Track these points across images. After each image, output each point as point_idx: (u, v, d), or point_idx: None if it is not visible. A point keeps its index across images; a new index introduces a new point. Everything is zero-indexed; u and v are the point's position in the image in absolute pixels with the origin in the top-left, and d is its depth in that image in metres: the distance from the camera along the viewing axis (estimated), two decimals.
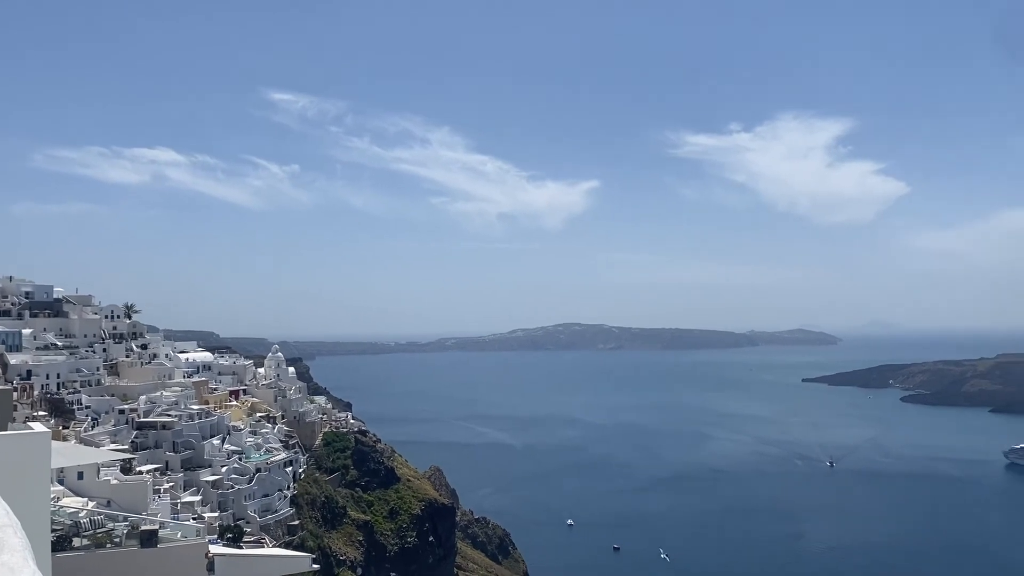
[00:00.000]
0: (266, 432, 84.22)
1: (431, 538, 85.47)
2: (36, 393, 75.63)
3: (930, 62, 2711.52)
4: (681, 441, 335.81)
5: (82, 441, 64.79)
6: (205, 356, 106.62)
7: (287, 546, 63.11)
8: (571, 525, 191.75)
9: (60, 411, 74.11)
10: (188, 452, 74.03)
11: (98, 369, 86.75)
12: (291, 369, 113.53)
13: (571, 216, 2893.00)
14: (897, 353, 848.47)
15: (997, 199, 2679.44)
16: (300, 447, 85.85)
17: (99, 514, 27.77)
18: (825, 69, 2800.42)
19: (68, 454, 32.69)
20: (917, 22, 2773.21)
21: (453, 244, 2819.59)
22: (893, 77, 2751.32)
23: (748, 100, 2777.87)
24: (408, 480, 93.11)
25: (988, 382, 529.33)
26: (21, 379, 75.59)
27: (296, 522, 72.22)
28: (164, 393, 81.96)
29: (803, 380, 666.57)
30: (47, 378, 78.63)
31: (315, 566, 56.49)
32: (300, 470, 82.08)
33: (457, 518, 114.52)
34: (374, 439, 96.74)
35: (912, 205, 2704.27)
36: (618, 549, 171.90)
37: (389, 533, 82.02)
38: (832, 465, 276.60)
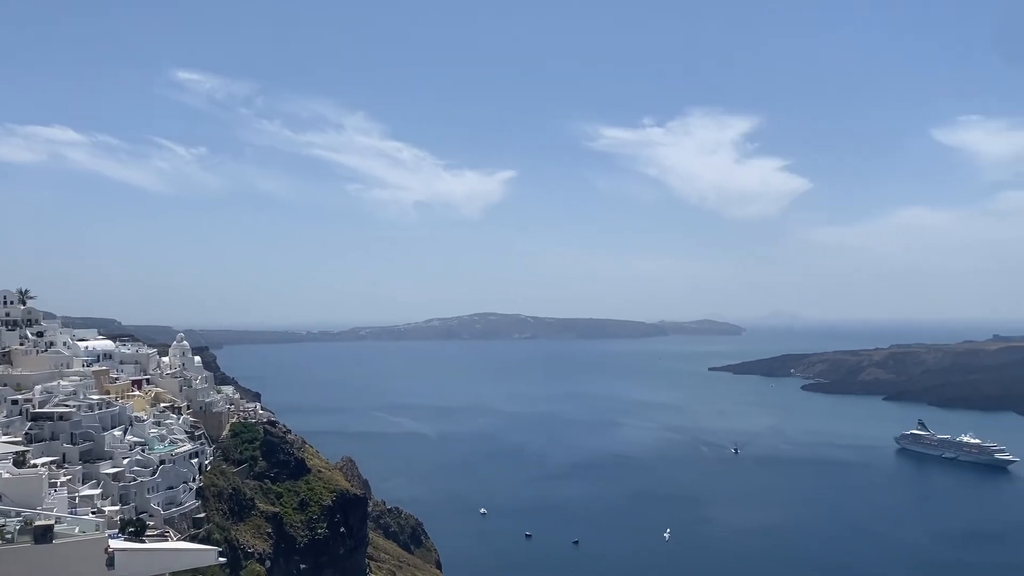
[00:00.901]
0: (171, 423, 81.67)
1: (342, 529, 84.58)
2: None
3: (833, 64, 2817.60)
4: (593, 429, 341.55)
5: None
6: (106, 344, 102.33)
7: (192, 539, 61.49)
8: (484, 514, 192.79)
9: None
10: (87, 444, 71.09)
11: None
12: (197, 358, 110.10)
13: (488, 206, 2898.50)
14: (798, 343, 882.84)
15: (893, 197, 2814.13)
16: (206, 438, 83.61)
17: None
18: (734, 67, 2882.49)
19: None
20: (821, 25, 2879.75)
21: (368, 232, 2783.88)
22: (798, 77, 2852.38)
23: (660, 95, 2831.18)
24: (319, 471, 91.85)
25: (882, 371, 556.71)
26: None
27: (202, 515, 70.40)
28: (61, 383, 78.34)
29: (709, 369, 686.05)
30: None
31: (221, 559, 55.14)
32: (206, 462, 79.99)
33: (369, 509, 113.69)
34: (284, 430, 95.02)
35: (814, 201, 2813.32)
36: (530, 536, 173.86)
37: (299, 525, 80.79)
38: (736, 451, 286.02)
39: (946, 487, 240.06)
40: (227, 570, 59.60)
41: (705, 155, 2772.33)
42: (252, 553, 71.59)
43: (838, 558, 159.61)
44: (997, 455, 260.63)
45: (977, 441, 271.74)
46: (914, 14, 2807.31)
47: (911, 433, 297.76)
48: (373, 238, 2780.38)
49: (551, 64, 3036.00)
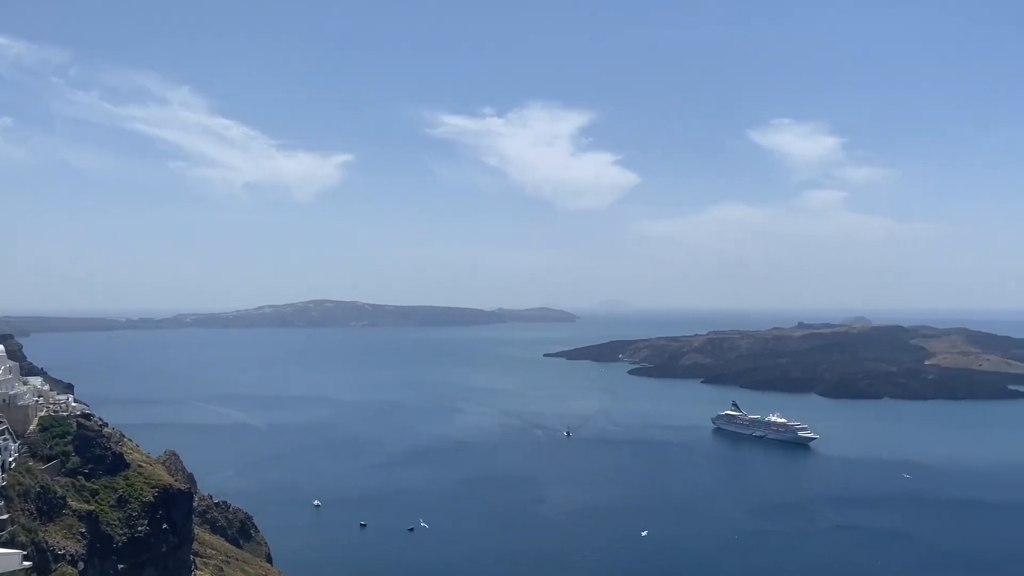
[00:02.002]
0: None
1: (165, 526, 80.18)
2: None
3: (661, 64, 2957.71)
4: (431, 416, 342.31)
5: None
6: None
7: None
8: (318, 505, 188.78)
9: None
10: None
11: None
12: (0, 347, 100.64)
13: (324, 189, 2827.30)
14: (626, 330, 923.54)
15: (714, 193, 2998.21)
16: (11, 433, 76.66)
17: None
18: (571, 62, 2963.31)
19: None
20: (653, 25, 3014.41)
21: (193, 213, 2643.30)
22: (631, 75, 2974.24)
23: (501, 86, 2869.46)
24: (139, 466, 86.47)
25: (701, 356, 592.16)
26: None
27: (6, 516, 64.59)
28: None
29: (544, 355, 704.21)
30: None
31: (27, 563, 51.04)
32: (11, 459, 73.36)
33: (195, 503, 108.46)
34: (100, 423, 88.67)
35: (643, 195, 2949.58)
36: (365, 525, 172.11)
37: (117, 523, 75.78)
38: (568, 435, 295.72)
39: (756, 463, 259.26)
40: (34, 575, 55.14)
41: (542, 147, 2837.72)
42: (63, 555, 66.51)
43: (661, 532, 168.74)
44: (800, 433, 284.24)
45: (783, 420, 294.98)
46: (736, 18, 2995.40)
47: (726, 414, 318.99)
48: (199, 220, 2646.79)
49: (392, 48, 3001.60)
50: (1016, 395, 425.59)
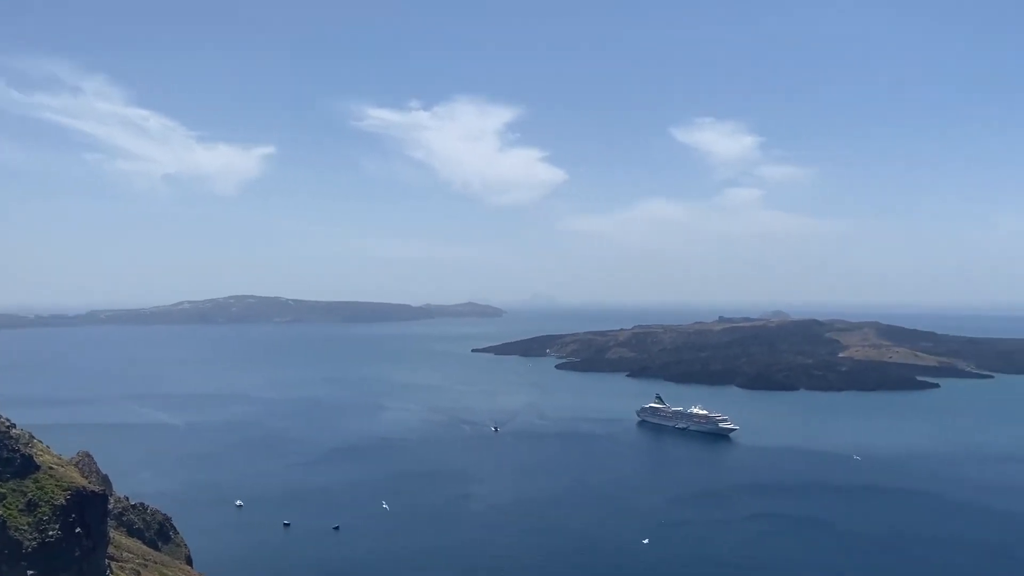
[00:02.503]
0: None
1: (78, 529, 77.56)
2: None
3: (585, 61, 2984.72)
4: (357, 413, 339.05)
5: None
6: None
7: None
8: (240, 505, 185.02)
9: None
10: None
11: None
12: None
13: (245, 182, 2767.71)
14: (554, 325, 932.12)
15: (638, 190, 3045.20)
16: None
17: None
18: (497, 56, 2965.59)
19: None
20: (575, 23, 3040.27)
21: (109, 206, 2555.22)
22: (556, 72, 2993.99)
23: (427, 79, 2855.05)
24: (50, 468, 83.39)
25: (626, 350, 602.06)
26: None
27: None
28: None
29: (472, 350, 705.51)
30: None
31: None
32: None
33: (110, 506, 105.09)
34: (7, 424, 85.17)
35: (570, 191, 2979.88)
36: (288, 525, 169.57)
37: (26, 528, 72.95)
38: (496, 430, 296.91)
39: (678, 454, 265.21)
40: None
41: (470, 142, 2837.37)
42: None
43: (585, 524, 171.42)
44: (721, 424, 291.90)
45: (705, 412, 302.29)
46: (660, 17, 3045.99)
47: (650, 407, 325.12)
48: (115, 213, 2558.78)
49: (316, 39, 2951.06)
50: (924, 386, 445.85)
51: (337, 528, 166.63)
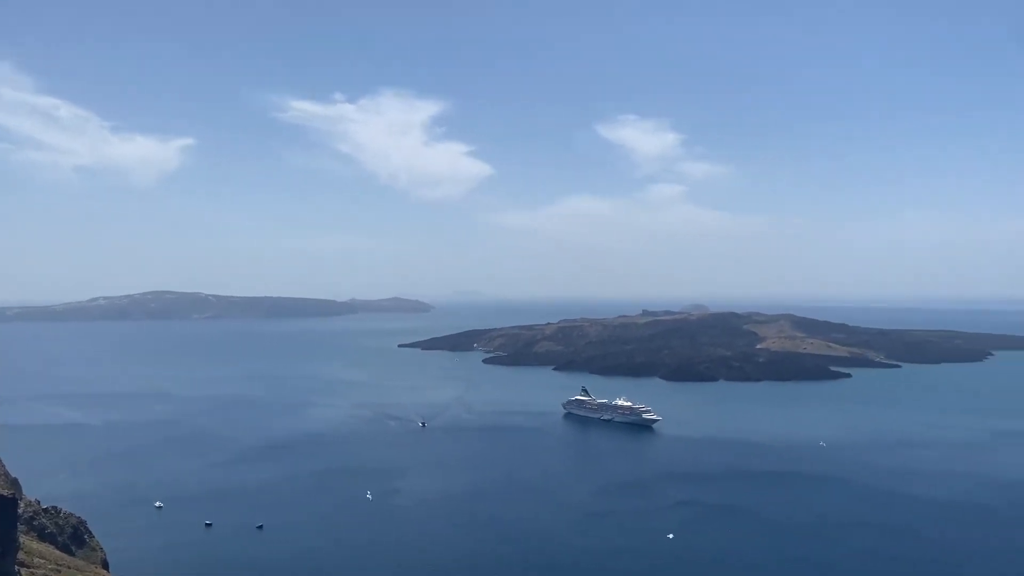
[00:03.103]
0: None
1: None
2: None
3: (511, 56, 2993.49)
4: (280, 410, 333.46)
5: None
6: None
7: None
8: (160, 507, 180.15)
9: None
10: None
11: None
12: None
13: (163, 175, 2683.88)
14: (482, 319, 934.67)
15: (564, 185, 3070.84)
16: None
17: None
18: (423, 50, 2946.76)
19: None
20: (501, 16, 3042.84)
21: (18, 199, 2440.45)
22: (481, 67, 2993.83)
23: (352, 72, 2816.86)
24: None
25: (553, 343, 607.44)
26: None
27: None
28: None
29: (399, 345, 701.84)
30: None
31: None
32: None
33: (20, 510, 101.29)
34: None
35: (497, 186, 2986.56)
36: (210, 525, 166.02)
37: None
38: (424, 425, 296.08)
39: (604, 446, 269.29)
40: None
41: (396, 135, 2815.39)
42: None
43: (513, 515, 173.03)
44: (644, 415, 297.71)
45: (629, 404, 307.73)
46: (585, 15, 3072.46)
47: (576, 399, 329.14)
48: (23, 205, 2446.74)
49: (238, 28, 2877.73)
50: (836, 375, 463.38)
51: (261, 527, 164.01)
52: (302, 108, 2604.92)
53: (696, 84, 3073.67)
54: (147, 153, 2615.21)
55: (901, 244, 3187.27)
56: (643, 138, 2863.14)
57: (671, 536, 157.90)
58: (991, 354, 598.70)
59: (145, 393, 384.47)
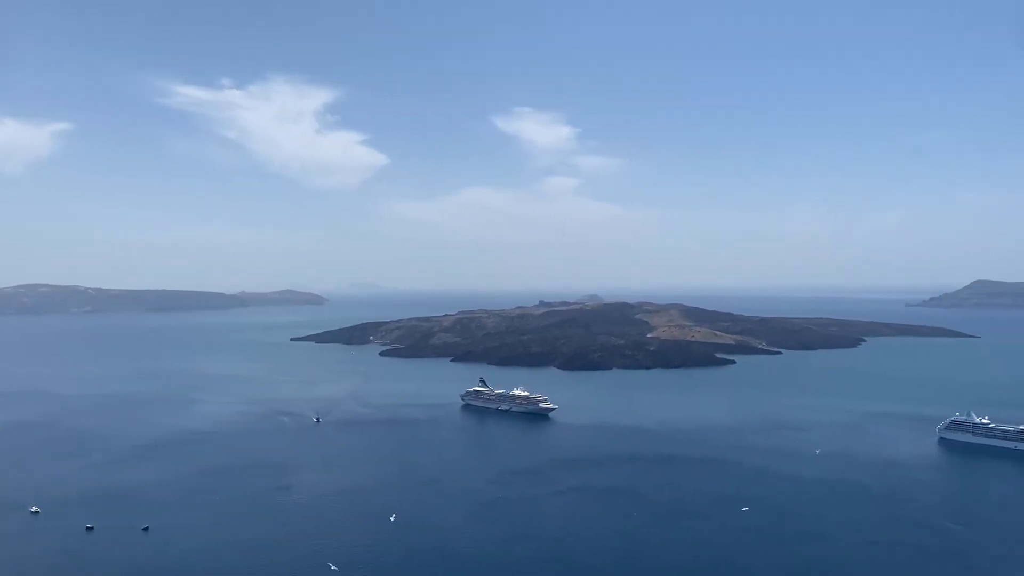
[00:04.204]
0: None
1: None
2: None
3: (405, 44, 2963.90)
4: (166, 408, 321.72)
5: None
6: None
7: None
8: (36, 512, 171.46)
9: None
10: None
11: None
12: None
13: (36, 161, 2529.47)
14: (378, 312, 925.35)
15: (461, 177, 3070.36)
16: None
17: None
18: (314, 35, 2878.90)
19: None
20: (395, 5, 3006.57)
21: None
22: (376, 55, 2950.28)
23: (240, 56, 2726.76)
24: None
25: (450, 335, 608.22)
26: None
27: None
28: None
29: (292, 339, 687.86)
30: None
31: None
32: None
33: None
34: None
35: (392, 176, 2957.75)
36: (92, 528, 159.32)
37: None
38: (318, 420, 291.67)
39: (501, 435, 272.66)
40: None
41: (287, 123, 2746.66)
42: None
43: (409, 507, 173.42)
44: (541, 404, 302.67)
45: (526, 394, 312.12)
46: (477, 5, 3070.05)
47: (473, 390, 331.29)
48: None
49: (116, 6, 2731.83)
50: (722, 362, 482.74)
51: (147, 529, 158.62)
52: (187, 93, 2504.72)
53: (590, 79, 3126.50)
54: (17, 138, 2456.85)
55: (784, 236, 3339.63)
56: (539, 131, 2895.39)
57: (557, 521, 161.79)
58: (863, 340, 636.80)
59: (18, 392, 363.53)
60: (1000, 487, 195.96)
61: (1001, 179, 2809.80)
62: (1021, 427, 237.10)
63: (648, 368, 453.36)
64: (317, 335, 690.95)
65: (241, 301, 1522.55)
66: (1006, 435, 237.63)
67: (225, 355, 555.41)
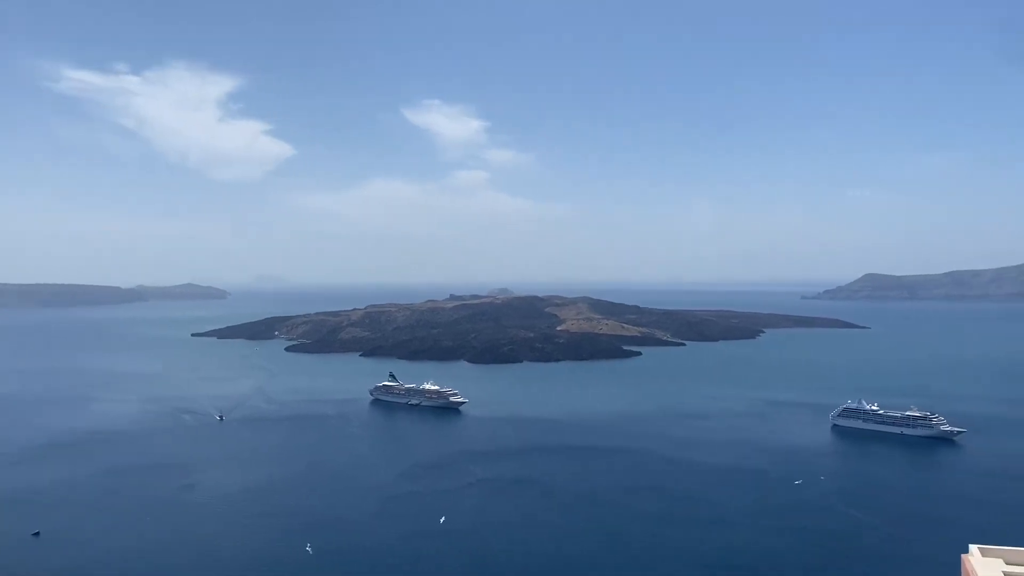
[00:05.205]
0: None
1: None
2: None
3: (313, 34, 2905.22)
4: (59, 407, 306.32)
5: None
6: None
7: None
8: None
9: None
10: None
11: None
12: None
13: None
14: (284, 306, 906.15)
15: (370, 168, 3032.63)
16: None
17: None
18: (216, 21, 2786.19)
19: None
20: None
21: None
22: (282, 42, 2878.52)
23: (137, 40, 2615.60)
24: None
25: (359, 330, 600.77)
26: None
27: None
28: None
29: (193, 335, 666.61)
30: None
31: None
32: None
33: None
34: None
35: (299, 167, 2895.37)
36: None
37: None
38: (221, 418, 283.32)
39: (410, 430, 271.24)
40: None
41: (187, 111, 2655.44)
42: None
43: (315, 504, 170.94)
44: (451, 398, 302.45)
45: (436, 388, 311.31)
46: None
47: (383, 385, 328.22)
48: None
49: None
50: (629, 354, 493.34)
51: (37, 534, 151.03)
52: (79, 78, 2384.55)
53: (501, 73, 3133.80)
54: None
55: (686, 232, 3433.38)
56: (448, 124, 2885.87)
57: (443, 520, 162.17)
58: (762, 332, 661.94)
59: None
60: (887, 470, 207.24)
61: (888, 179, 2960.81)
62: (906, 413, 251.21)
63: (558, 360, 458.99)
64: (219, 330, 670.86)
65: (139, 295, 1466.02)
66: (893, 421, 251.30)
67: (121, 352, 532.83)
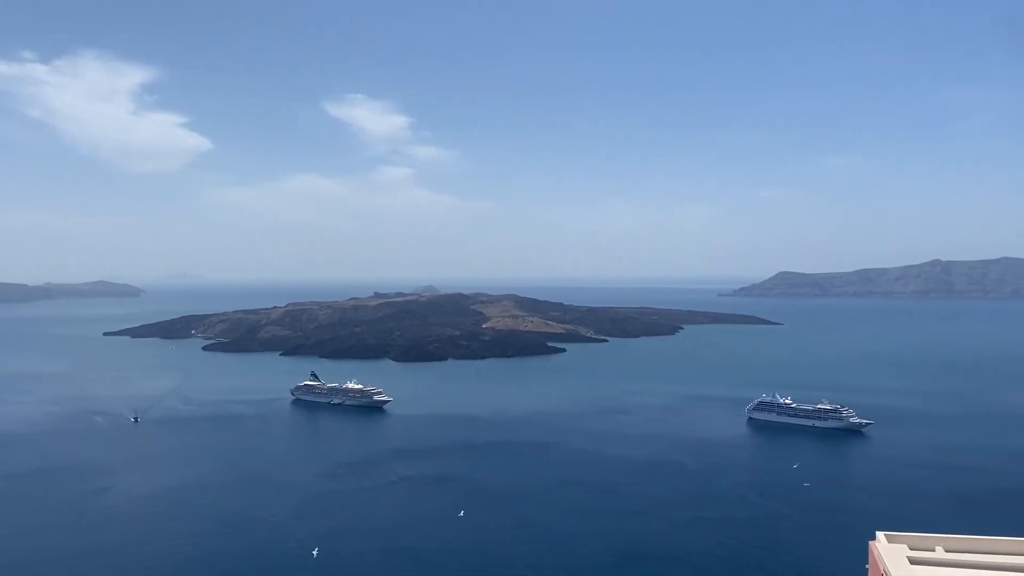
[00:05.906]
0: None
1: None
2: None
3: (231, 25, 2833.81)
4: None
5: None
6: None
7: None
8: None
9: None
10: None
11: None
12: None
13: None
14: (201, 304, 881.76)
15: (290, 163, 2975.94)
16: None
17: None
18: (128, 8, 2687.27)
19: None
20: None
21: None
22: (198, 33, 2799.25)
23: (44, 28, 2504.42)
24: None
25: (280, 328, 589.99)
26: None
27: None
28: None
29: (105, 334, 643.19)
30: None
31: None
32: None
33: None
34: None
35: (215, 161, 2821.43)
36: None
37: None
38: (136, 419, 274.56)
39: (332, 429, 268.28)
40: None
41: (98, 102, 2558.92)
42: None
43: (233, 505, 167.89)
44: (375, 397, 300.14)
45: (360, 387, 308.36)
46: None
47: (304, 384, 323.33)
48: None
49: None
50: (553, 351, 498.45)
51: None
52: None
53: (425, 68, 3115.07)
54: None
55: (607, 231, 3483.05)
56: (372, 118, 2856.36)
57: (386, 511, 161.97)
58: (681, 328, 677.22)
59: None
60: (799, 461, 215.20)
61: (798, 179, 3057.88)
62: (818, 406, 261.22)
63: (483, 358, 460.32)
64: (133, 329, 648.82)
65: (47, 293, 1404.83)
66: (805, 414, 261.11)
67: (27, 351, 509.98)
